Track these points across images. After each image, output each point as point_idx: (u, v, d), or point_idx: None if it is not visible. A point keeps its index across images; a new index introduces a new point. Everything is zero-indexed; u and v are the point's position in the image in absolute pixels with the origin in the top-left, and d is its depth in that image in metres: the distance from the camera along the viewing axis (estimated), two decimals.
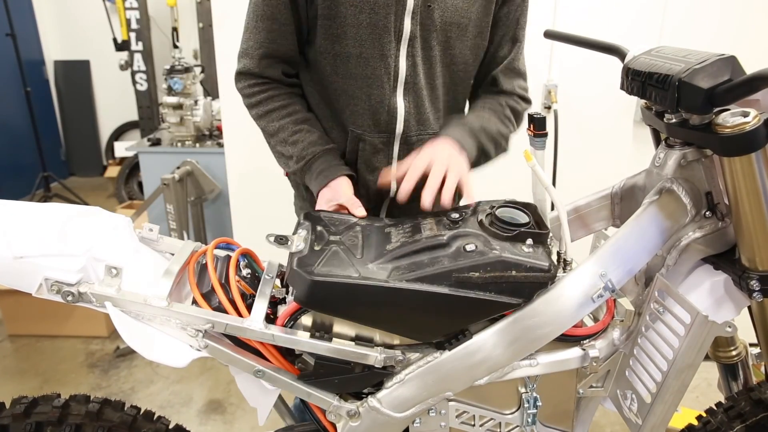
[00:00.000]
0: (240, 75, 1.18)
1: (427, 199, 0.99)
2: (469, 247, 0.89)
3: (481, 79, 1.28)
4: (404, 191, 1.03)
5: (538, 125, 0.96)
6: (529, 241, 0.90)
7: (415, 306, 0.88)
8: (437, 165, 1.02)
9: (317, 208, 1.11)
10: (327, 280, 0.86)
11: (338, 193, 1.09)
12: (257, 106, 1.17)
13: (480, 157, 1.17)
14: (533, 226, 0.93)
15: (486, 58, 1.24)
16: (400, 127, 1.16)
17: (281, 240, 0.93)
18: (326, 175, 1.12)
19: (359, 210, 1.04)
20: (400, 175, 1.06)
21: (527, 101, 1.30)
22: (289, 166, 1.17)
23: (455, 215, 0.97)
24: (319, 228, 0.97)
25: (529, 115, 0.97)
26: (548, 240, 0.93)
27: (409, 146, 1.18)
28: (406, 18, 1.09)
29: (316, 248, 0.92)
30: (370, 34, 1.09)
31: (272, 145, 1.19)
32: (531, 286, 0.88)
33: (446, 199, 1.00)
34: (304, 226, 0.98)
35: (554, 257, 0.97)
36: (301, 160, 1.14)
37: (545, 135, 0.96)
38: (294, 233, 0.96)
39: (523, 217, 0.95)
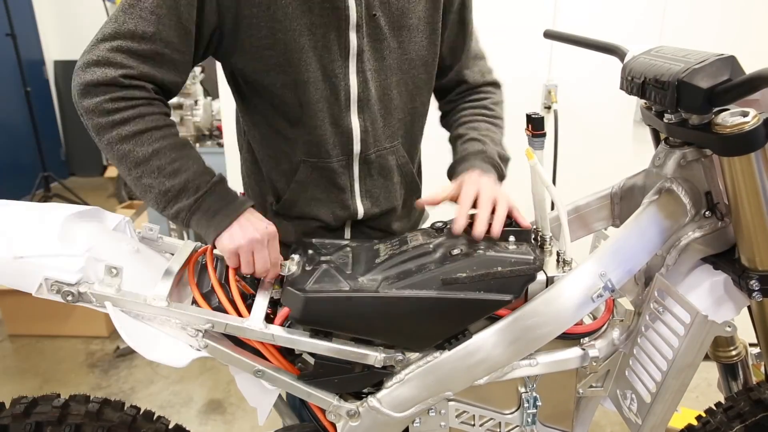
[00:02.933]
0: (99, 85, 0.86)
1: (479, 230, 0.93)
2: (455, 251, 0.91)
3: (441, 74, 1.19)
4: (460, 226, 0.95)
5: (536, 125, 0.96)
6: (512, 238, 0.94)
7: (407, 313, 0.89)
8: (485, 196, 0.97)
9: (232, 261, 0.92)
10: (319, 295, 0.88)
11: (262, 242, 0.92)
12: (122, 124, 0.87)
13: (501, 180, 1.12)
14: (515, 226, 0.96)
15: (441, 50, 1.15)
16: (357, 147, 1.09)
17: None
18: (229, 214, 0.92)
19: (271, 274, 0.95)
20: (431, 200, 1.02)
21: (498, 85, 1.25)
22: (160, 204, 0.91)
23: (439, 224, 0.99)
24: (310, 252, 1.00)
25: (527, 115, 0.97)
26: (531, 237, 0.96)
27: (368, 164, 1.12)
28: (350, 33, 1.00)
29: (308, 269, 0.95)
30: (314, 56, 0.99)
31: (136, 175, 0.90)
32: (518, 280, 0.89)
33: (497, 230, 0.94)
34: (295, 251, 1.01)
35: (553, 256, 0.98)
36: (182, 195, 0.90)
37: (543, 135, 0.97)
38: (286, 259, 0.98)
39: (505, 220, 0.97)
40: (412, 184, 1.23)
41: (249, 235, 0.91)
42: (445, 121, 1.26)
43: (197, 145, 3.06)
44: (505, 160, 1.13)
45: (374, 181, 1.14)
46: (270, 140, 1.10)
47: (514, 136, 1.24)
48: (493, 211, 0.96)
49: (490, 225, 0.94)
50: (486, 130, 1.15)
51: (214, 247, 0.94)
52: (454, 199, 1.00)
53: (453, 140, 1.19)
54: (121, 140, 0.88)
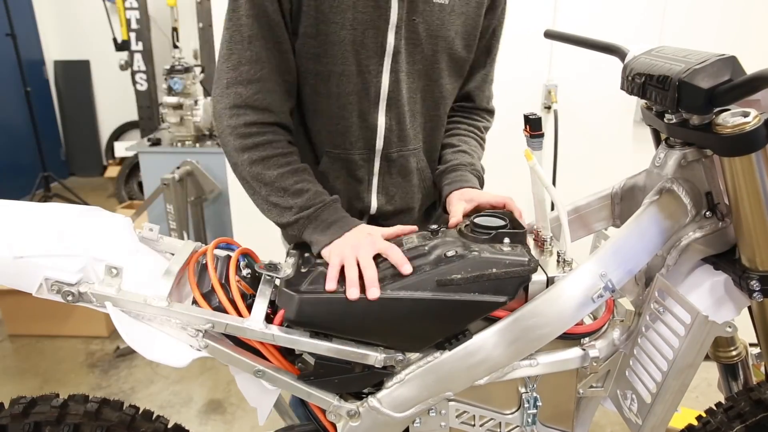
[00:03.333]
0: (237, 108, 1.02)
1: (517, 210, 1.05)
2: (450, 253, 0.91)
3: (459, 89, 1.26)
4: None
5: (533, 126, 0.96)
6: (507, 240, 0.94)
7: (402, 314, 0.89)
8: (495, 200, 1.08)
9: (335, 265, 0.93)
10: (313, 296, 0.89)
11: (377, 239, 0.96)
12: (254, 149, 1.02)
13: None
14: (510, 228, 0.96)
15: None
16: (380, 143, 1.13)
17: (271, 267, 0.97)
18: (341, 226, 1.00)
19: (406, 267, 0.91)
20: (455, 222, 1.05)
21: (493, 114, 1.34)
22: (285, 217, 1.03)
23: (435, 226, 1.00)
24: (306, 254, 1.01)
25: (525, 116, 0.97)
26: (526, 238, 0.97)
27: (389, 162, 1.16)
28: (389, 33, 1.04)
29: (303, 270, 0.95)
30: (352, 50, 1.04)
31: (263, 195, 1.03)
32: (513, 282, 0.89)
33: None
34: (292, 254, 1.02)
35: (553, 256, 0.98)
36: (303, 209, 1.01)
37: (541, 135, 0.97)
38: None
39: (499, 222, 0.99)
40: (430, 190, 1.25)
41: (358, 242, 0.96)
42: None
43: (197, 145, 3.07)
44: (482, 174, 1.24)
45: (392, 179, 1.18)
46: (295, 132, 1.13)
47: (513, 137, 1.25)
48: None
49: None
50: (475, 148, 1.26)
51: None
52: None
53: (443, 146, 1.26)
54: (252, 163, 1.02)
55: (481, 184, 1.21)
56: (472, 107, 1.28)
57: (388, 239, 0.98)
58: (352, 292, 0.88)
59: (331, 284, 0.90)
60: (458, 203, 1.08)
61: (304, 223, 1.02)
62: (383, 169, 1.17)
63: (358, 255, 0.93)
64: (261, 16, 0.99)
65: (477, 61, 1.21)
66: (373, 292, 0.88)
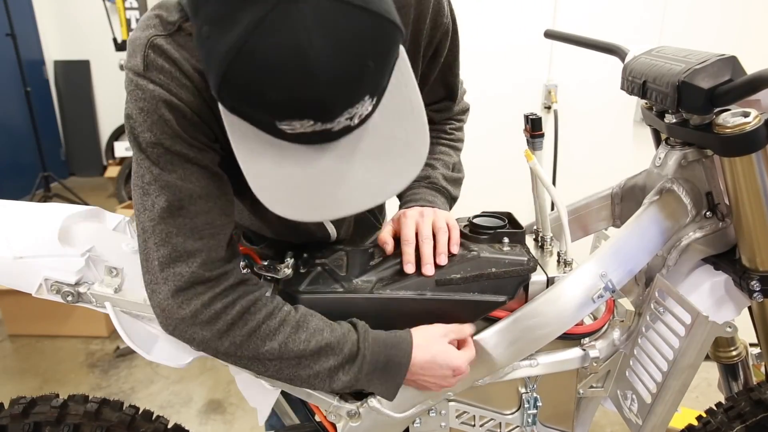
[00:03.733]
0: (182, 291, 0.78)
1: (429, 271, 0.89)
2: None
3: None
4: (409, 267, 0.90)
5: (534, 126, 0.96)
6: (506, 240, 0.94)
7: (402, 314, 0.89)
8: (423, 234, 0.91)
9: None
10: (313, 296, 0.89)
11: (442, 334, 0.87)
12: (233, 329, 0.79)
13: (451, 204, 1.08)
14: (509, 228, 0.96)
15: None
16: (334, 234, 1.04)
17: (271, 268, 0.97)
18: (398, 363, 0.84)
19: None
20: (382, 242, 0.96)
21: (467, 111, 1.18)
22: (323, 386, 0.84)
23: None
24: (305, 255, 1.00)
25: (525, 116, 0.97)
26: (525, 238, 0.97)
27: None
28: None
29: (302, 270, 0.95)
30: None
31: (282, 371, 0.83)
32: (512, 282, 0.90)
33: (442, 260, 0.90)
34: (291, 255, 1.01)
35: (554, 256, 0.97)
36: (340, 368, 0.83)
37: (542, 136, 0.97)
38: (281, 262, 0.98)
39: (498, 222, 0.99)
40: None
41: (433, 371, 0.86)
42: None
43: None
44: (453, 181, 1.08)
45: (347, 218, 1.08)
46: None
47: (513, 137, 1.24)
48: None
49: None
50: (439, 153, 1.09)
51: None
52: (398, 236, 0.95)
53: None
54: (240, 346, 0.80)
55: (445, 190, 1.05)
56: (442, 119, 1.14)
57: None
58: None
59: None
60: (386, 225, 0.98)
61: (358, 381, 0.85)
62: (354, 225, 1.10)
63: (450, 362, 0.85)
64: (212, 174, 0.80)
65: (436, 95, 1.07)
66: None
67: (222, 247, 0.81)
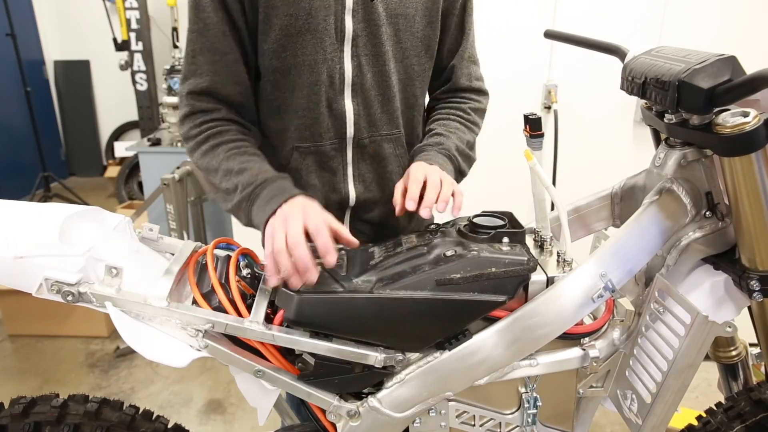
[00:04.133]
0: (186, 118, 1.06)
1: (426, 213, 0.97)
2: (449, 253, 0.91)
3: (435, 73, 1.21)
4: (409, 206, 0.98)
5: (534, 126, 0.96)
6: (506, 239, 0.94)
7: (401, 314, 0.89)
8: (432, 178, 1.00)
9: (267, 247, 0.89)
10: (313, 296, 0.88)
11: (313, 214, 0.90)
12: (204, 142, 1.04)
13: (458, 178, 1.15)
14: (509, 228, 0.96)
15: (439, 50, 1.18)
16: (350, 130, 1.10)
17: None
18: (281, 198, 0.94)
19: (330, 258, 0.87)
20: (396, 201, 1.02)
21: (485, 94, 1.26)
22: (232, 199, 1.00)
23: (434, 226, 1.01)
24: None
25: (524, 116, 0.97)
26: (525, 238, 0.97)
27: (362, 149, 1.13)
28: (346, 17, 1.03)
29: None
30: (310, 40, 1.02)
31: (215, 183, 1.03)
32: (512, 281, 0.89)
33: (442, 208, 0.98)
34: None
35: (553, 256, 0.98)
36: (247, 187, 0.97)
37: (541, 135, 0.97)
38: None
39: (499, 222, 0.99)
40: None
41: (289, 214, 0.90)
42: (426, 118, 1.27)
43: None
44: (465, 156, 1.15)
45: (367, 166, 1.15)
46: (262, 133, 1.16)
47: (514, 137, 1.25)
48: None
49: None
50: (455, 129, 1.17)
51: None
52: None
53: (423, 136, 1.21)
54: (202, 155, 1.04)
55: (455, 158, 1.13)
56: (454, 89, 1.23)
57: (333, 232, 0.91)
58: (271, 281, 0.88)
59: (271, 279, 0.88)
60: (398, 186, 1.04)
61: (248, 206, 0.97)
62: (357, 156, 1.13)
63: (287, 229, 0.87)
64: (220, 13, 1.00)
65: (450, 39, 1.18)
66: (295, 281, 0.86)
67: (228, 88, 1.05)
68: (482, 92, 1.25)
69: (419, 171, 1.02)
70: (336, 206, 1.16)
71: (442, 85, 1.24)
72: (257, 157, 1.03)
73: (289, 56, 1.04)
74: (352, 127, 1.10)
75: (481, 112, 1.24)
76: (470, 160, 1.19)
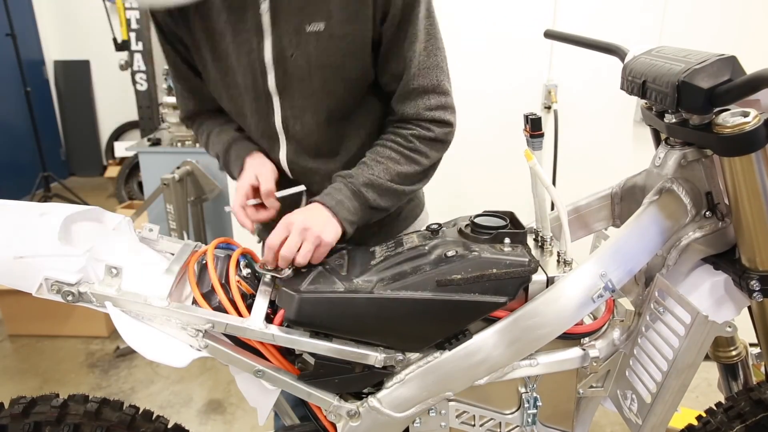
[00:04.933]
0: (181, 120, 1.29)
1: (282, 263, 0.95)
2: (450, 253, 0.91)
3: (387, 103, 1.10)
4: (268, 260, 0.96)
5: (533, 126, 0.96)
6: (507, 240, 0.94)
7: (402, 314, 0.89)
8: (292, 236, 0.94)
9: (236, 199, 1.06)
10: (313, 296, 0.89)
11: (254, 173, 1.07)
12: (197, 132, 1.24)
13: (372, 213, 1.04)
14: (510, 228, 0.96)
15: (381, 79, 1.07)
16: (289, 174, 1.15)
17: (271, 268, 0.97)
18: (241, 155, 1.11)
19: (271, 201, 1.05)
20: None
21: (444, 123, 1.05)
22: (221, 165, 1.19)
23: (434, 226, 1.00)
24: None
25: (524, 116, 0.97)
26: (526, 239, 0.97)
27: (307, 188, 1.12)
28: (269, 74, 1.02)
29: (303, 270, 0.95)
30: (239, 94, 1.07)
31: (213, 155, 1.20)
32: (513, 282, 0.89)
33: (301, 263, 0.95)
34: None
35: (554, 256, 0.98)
36: (223, 149, 1.14)
37: (541, 135, 0.97)
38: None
39: (500, 222, 0.98)
40: None
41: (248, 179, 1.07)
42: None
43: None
44: (385, 190, 1.02)
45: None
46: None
47: (514, 137, 1.24)
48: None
49: None
50: (384, 159, 1.03)
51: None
52: None
53: None
54: (202, 142, 1.23)
55: (384, 195, 1.03)
56: (400, 119, 1.07)
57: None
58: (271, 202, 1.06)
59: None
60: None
61: (226, 162, 1.15)
62: (307, 193, 1.13)
63: (239, 182, 1.08)
64: (168, 53, 1.13)
65: (390, 68, 1.04)
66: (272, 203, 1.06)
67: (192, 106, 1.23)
68: (438, 122, 1.05)
69: (278, 232, 0.95)
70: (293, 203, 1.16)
71: (390, 113, 1.10)
72: (236, 131, 1.17)
73: (225, 102, 1.12)
74: (289, 172, 1.15)
75: (432, 142, 1.05)
76: (396, 195, 1.05)
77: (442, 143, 1.07)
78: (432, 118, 1.04)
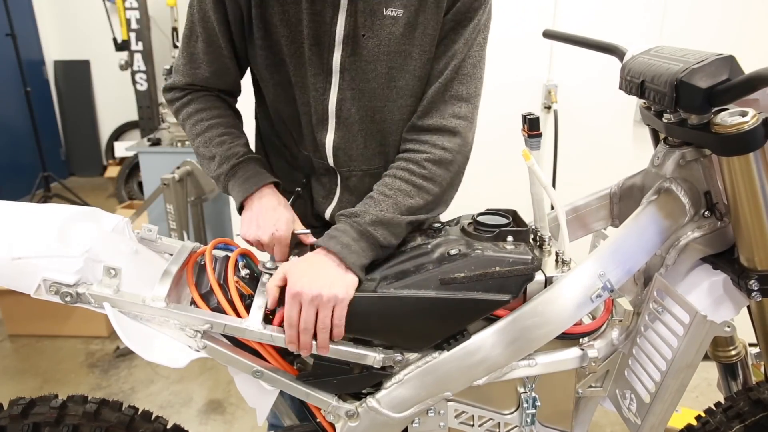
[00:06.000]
0: (168, 87, 1.12)
1: (306, 339, 0.89)
2: (453, 251, 0.91)
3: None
4: (293, 340, 0.90)
5: (532, 126, 0.96)
6: (510, 238, 0.94)
7: (405, 313, 0.89)
8: (305, 310, 0.88)
9: (242, 230, 1.02)
10: None
11: (271, 220, 1.00)
12: (186, 106, 1.09)
13: (384, 251, 0.96)
14: (513, 226, 0.96)
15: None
16: (331, 161, 1.08)
17: (271, 267, 0.97)
18: (253, 182, 1.03)
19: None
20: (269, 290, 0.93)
21: (457, 134, 1.00)
22: (211, 169, 1.07)
23: (437, 225, 1.00)
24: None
25: (522, 116, 0.97)
26: (529, 237, 0.97)
27: (346, 180, 1.10)
28: (335, 50, 0.98)
29: None
30: (301, 65, 1.01)
31: (196, 146, 1.08)
32: (516, 280, 0.89)
33: (323, 344, 0.90)
34: (294, 253, 1.02)
35: (552, 256, 0.97)
36: (225, 161, 1.05)
37: (539, 135, 0.97)
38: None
39: (503, 220, 0.98)
40: None
41: (258, 213, 1.01)
42: None
43: None
44: (394, 226, 0.94)
45: (350, 197, 1.12)
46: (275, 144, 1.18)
47: (513, 137, 1.24)
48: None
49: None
50: (393, 192, 0.97)
51: (241, 207, 1.04)
52: None
53: None
54: (185, 119, 1.09)
55: (370, 235, 0.93)
56: (419, 128, 1.02)
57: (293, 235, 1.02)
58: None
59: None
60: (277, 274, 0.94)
61: (225, 180, 1.06)
62: (343, 184, 1.12)
63: (260, 237, 1.00)
64: (205, 21, 1.02)
65: (434, 66, 1.01)
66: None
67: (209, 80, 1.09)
68: (453, 132, 1.00)
69: (291, 307, 0.88)
70: (312, 216, 1.17)
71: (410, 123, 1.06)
72: (235, 130, 1.10)
73: (285, 73, 1.04)
74: (331, 158, 1.08)
75: (444, 163, 0.99)
76: (410, 225, 0.98)
77: (448, 162, 1.00)
78: (450, 128, 0.99)
